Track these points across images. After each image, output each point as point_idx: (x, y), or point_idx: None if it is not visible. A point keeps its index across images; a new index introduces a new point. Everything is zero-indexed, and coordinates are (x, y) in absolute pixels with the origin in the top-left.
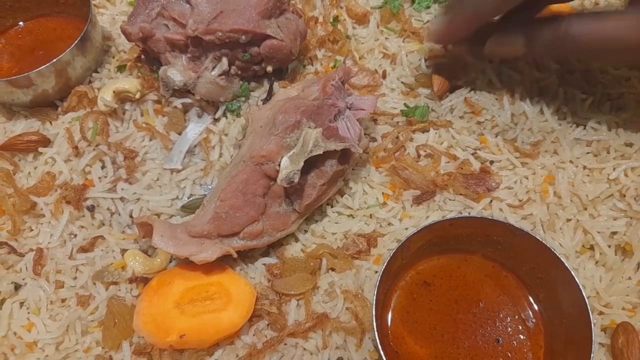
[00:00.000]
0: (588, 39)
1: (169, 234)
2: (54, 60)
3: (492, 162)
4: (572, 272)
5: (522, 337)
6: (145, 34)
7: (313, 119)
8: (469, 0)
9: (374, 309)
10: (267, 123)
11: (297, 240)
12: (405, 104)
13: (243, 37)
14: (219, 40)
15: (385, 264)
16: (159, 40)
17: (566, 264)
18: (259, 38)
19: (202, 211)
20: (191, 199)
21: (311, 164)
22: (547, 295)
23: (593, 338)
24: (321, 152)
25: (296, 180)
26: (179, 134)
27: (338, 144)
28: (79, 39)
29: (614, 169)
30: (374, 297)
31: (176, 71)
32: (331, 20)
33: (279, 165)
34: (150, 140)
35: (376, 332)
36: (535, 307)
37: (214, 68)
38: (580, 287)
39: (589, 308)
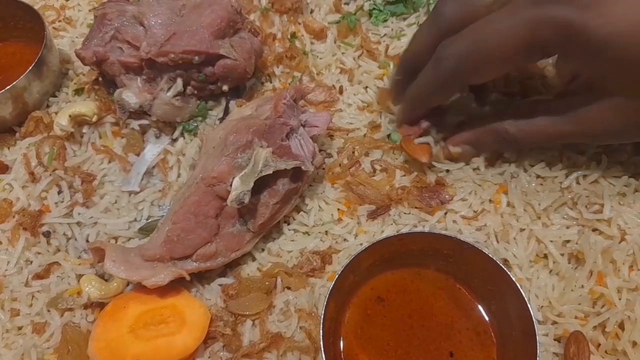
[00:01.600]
0: (527, 138)
1: (122, 259)
2: (8, 86)
3: (448, 171)
4: (517, 284)
5: (475, 349)
6: (99, 57)
7: (265, 138)
8: (411, 91)
9: (321, 326)
10: (220, 144)
11: (254, 259)
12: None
13: (196, 57)
14: (172, 61)
15: (334, 281)
16: (114, 64)
17: (511, 276)
18: (212, 58)
19: (157, 234)
20: (149, 220)
21: (263, 184)
22: (498, 307)
23: (537, 352)
24: (271, 172)
25: (246, 201)
26: (138, 155)
27: (289, 163)
28: (34, 64)
29: (567, 177)
30: (322, 315)
31: (131, 93)
32: (289, 36)
33: (231, 185)
34: (109, 162)
35: (322, 350)
36: (487, 319)
37: (169, 89)
38: (525, 299)
39: (534, 320)
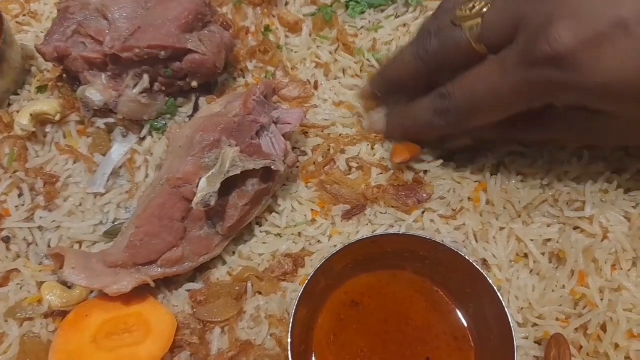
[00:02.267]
0: (466, 99)
1: (82, 265)
2: None
3: (426, 172)
4: (495, 287)
5: (452, 355)
6: (61, 53)
7: (234, 136)
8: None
9: (289, 334)
10: (187, 143)
11: (224, 263)
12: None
13: (162, 53)
14: (137, 57)
15: (304, 286)
16: (76, 59)
17: (488, 279)
18: (180, 53)
19: (120, 238)
20: (115, 224)
21: (232, 184)
22: (476, 311)
23: (515, 358)
24: (239, 172)
25: (212, 203)
26: (104, 155)
27: (258, 163)
28: None
29: (548, 174)
30: (291, 322)
31: (95, 91)
32: (262, 30)
33: (197, 187)
34: (74, 163)
35: (290, 356)
36: (465, 322)
37: (135, 86)
38: (503, 303)
39: (511, 325)
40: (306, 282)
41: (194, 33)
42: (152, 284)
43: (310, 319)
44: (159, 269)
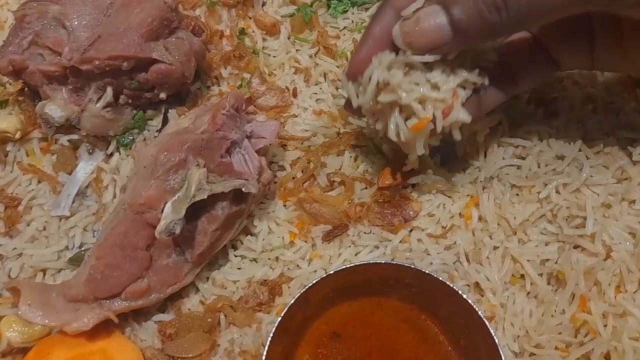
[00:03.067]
0: None
1: (39, 301)
2: None
3: (414, 186)
4: (485, 321)
5: None
6: (16, 66)
7: (202, 155)
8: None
9: None
10: (151, 163)
11: (197, 290)
12: None
13: (125, 63)
14: (98, 69)
15: (278, 321)
16: (34, 73)
17: (479, 311)
18: (144, 63)
19: (82, 268)
20: (82, 249)
21: (201, 208)
22: (467, 343)
23: None
24: (206, 197)
25: (177, 231)
26: (70, 174)
27: (227, 184)
28: None
29: (545, 185)
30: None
31: (55, 106)
32: (237, 33)
33: (162, 212)
34: (38, 183)
35: None
36: (456, 356)
37: (98, 99)
38: (495, 338)
39: None
40: (280, 317)
41: (159, 41)
42: (116, 320)
43: (287, 355)
44: (123, 302)
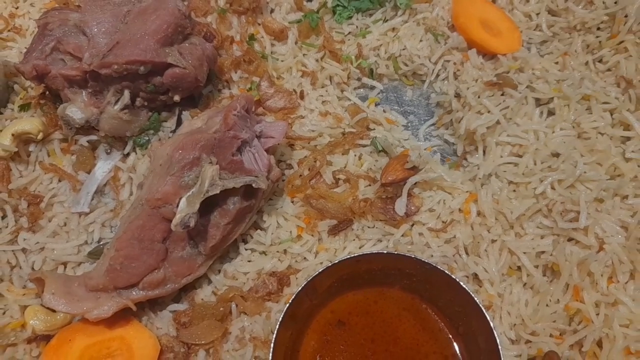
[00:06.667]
0: None
1: (63, 290)
2: None
3: (415, 183)
4: (482, 307)
5: None
6: (40, 71)
7: (215, 153)
8: None
9: (270, 359)
10: (167, 161)
11: (209, 282)
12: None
13: (142, 68)
14: (116, 73)
15: (285, 309)
16: (56, 77)
17: (476, 298)
18: (160, 67)
19: (102, 260)
20: (100, 243)
21: (213, 203)
22: (466, 330)
23: None
24: (219, 192)
25: (192, 224)
26: (88, 173)
27: (238, 181)
28: None
29: (541, 182)
30: (272, 348)
31: (76, 108)
32: (247, 39)
33: (177, 207)
34: (59, 182)
35: None
36: (455, 342)
37: (116, 102)
38: (491, 323)
39: (499, 346)
40: (288, 304)
41: (174, 46)
42: (134, 308)
43: (295, 340)
44: (141, 292)
